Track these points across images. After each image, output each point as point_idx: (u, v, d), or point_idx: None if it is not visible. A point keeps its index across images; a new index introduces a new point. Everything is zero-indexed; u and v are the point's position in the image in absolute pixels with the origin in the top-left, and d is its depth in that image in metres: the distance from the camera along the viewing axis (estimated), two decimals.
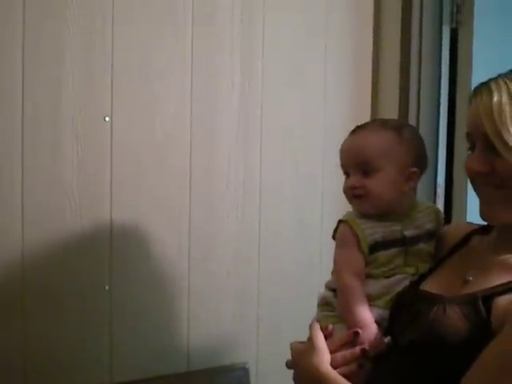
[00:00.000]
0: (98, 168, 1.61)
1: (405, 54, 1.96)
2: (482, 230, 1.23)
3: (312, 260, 1.88)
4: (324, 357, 1.13)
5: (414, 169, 1.26)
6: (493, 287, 1.04)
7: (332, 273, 1.29)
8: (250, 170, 1.81)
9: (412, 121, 1.96)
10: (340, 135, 1.32)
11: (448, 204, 1.95)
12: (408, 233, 1.25)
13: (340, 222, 1.28)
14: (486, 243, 1.17)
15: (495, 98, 1.04)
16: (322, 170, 1.90)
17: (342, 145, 1.29)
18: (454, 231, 1.30)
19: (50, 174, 1.56)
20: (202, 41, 1.71)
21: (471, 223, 1.30)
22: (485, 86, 1.07)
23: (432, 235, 1.29)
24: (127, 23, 1.62)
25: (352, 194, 1.25)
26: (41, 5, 1.52)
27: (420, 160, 1.28)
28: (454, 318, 1.03)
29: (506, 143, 1.03)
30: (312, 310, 1.29)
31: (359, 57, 1.97)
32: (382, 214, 1.25)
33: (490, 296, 1.02)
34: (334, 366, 1.13)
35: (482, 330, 1.00)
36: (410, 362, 1.08)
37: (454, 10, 1.93)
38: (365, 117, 1.95)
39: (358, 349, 1.13)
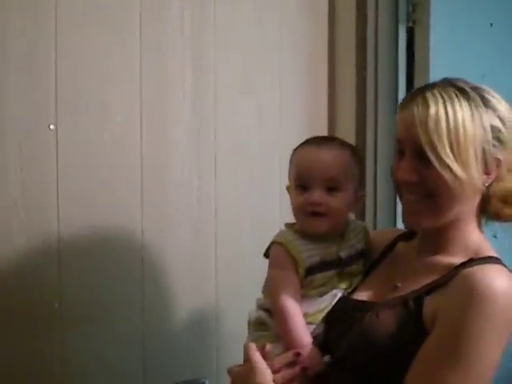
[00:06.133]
0: (44, 179, 1.56)
1: (361, 54, 1.95)
2: (406, 236, 1.29)
3: None
4: (266, 376, 1.14)
5: (364, 192, 1.30)
6: (420, 288, 1.10)
7: (263, 292, 1.28)
8: (205, 180, 1.76)
9: (370, 122, 1.96)
10: (296, 142, 1.28)
11: None
12: (343, 253, 1.24)
13: (274, 242, 1.25)
14: (411, 248, 1.23)
15: (432, 111, 1.08)
16: (279, 179, 1.82)
17: (301, 156, 1.25)
18: (380, 238, 1.33)
19: None
20: (151, 46, 1.66)
21: (396, 229, 1.37)
22: (421, 96, 1.10)
23: (362, 254, 1.29)
24: (71, 28, 1.57)
25: (312, 210, 1.20)
26: None
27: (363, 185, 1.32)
28: (387, 322, 1.09)
29: (440, 157, 1.07)
30: None
31: (314, 58, 1.94)
32: (322, 235, 1.23)
33: (419, 297, 1.09)
34: None
35: (416, 330, 1.06)
36: (349, 375, 1.11)
37: (410, 8, 1.94)
38: (322, 118, 1.94)
39: (298, 368, 1.15)
